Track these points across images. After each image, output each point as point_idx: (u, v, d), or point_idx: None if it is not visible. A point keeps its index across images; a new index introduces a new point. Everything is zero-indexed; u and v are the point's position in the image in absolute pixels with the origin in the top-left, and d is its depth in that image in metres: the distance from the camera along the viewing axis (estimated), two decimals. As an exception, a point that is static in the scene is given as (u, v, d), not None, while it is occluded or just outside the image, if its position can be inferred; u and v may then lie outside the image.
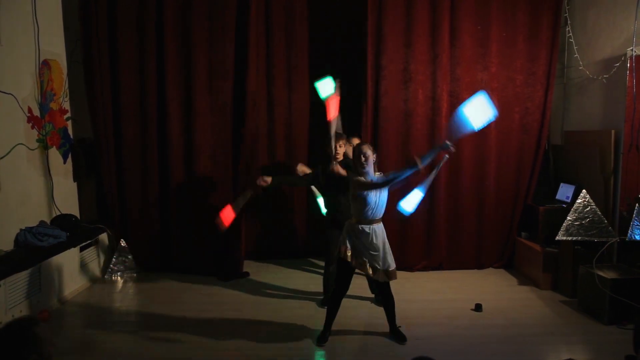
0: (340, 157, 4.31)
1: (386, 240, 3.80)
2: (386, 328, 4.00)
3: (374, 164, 3.72)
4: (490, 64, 5.53)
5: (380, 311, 4.39)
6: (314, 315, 4.39)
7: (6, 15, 4.33)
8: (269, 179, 4.35)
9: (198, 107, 5.39)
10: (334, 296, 3.92)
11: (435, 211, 5.61)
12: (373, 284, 4.53)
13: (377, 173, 3.77)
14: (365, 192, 3.63)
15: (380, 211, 3.74)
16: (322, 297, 4.70)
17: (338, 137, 4.36)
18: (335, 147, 4.26)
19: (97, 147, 5.36)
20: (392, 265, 3.80)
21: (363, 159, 3.64)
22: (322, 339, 3.86)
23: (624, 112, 4.72)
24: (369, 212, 3.68)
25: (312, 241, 6.11)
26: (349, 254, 3.73)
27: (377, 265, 3.74)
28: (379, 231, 3.74)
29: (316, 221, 5.81)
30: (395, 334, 3.93)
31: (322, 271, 5.57)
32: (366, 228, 3.69)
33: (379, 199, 3.69)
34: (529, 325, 4.20)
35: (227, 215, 4.08)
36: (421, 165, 3.42)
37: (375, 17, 5.40)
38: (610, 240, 4.59)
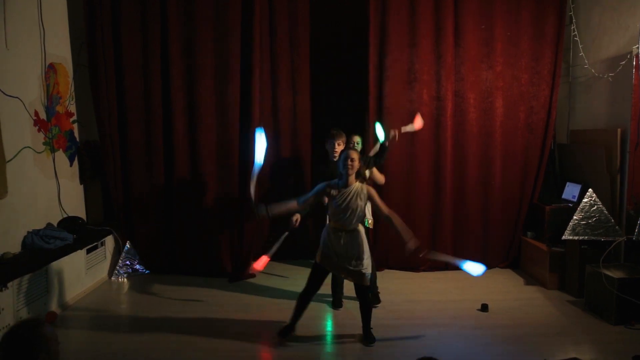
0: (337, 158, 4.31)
1: (364, 245, 3.79)
2: (390, 329, 4.00)
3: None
4: (495, 63, 5.52)
5: (383, 312, 4.39)
6: (320, 316, 4.41)
7: (12, 20, 4.36)
8: (298, 216, 4.42)
9: (203, 109, 5.40)
10: (302, 293, 3.96)
11: (440, 211, 5.61)
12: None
13: (356, 182, 3.75)
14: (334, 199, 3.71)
15: (353, 219, 3.74)
16: (331, 299, 4.67)
17: (336, 135, 4.39)
18: (334, 145, 4.39)
19: (103, 149, 5.39)
20: (365, 269, 3.78)
21: (350, 163, 3.67)
22: (284, 332, 3.92)
23: (630, 110, 4.69)
24: (341, 218, 3.73)
25: (317, 241, 6.10)
26: (319, 254, 3.85)
27: (348, 267, 3.77)
28: (354, 235, 3.76)
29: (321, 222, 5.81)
30: (368, 335, 3.88)
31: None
32: (339, 233, 3.75)
33: (349, 208, 3.69)
34: (536, 326, 4.18)
35: (261, 262, 4.27)
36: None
37: (378, 18, 5.40)
38: (617, 239, 4.56)
